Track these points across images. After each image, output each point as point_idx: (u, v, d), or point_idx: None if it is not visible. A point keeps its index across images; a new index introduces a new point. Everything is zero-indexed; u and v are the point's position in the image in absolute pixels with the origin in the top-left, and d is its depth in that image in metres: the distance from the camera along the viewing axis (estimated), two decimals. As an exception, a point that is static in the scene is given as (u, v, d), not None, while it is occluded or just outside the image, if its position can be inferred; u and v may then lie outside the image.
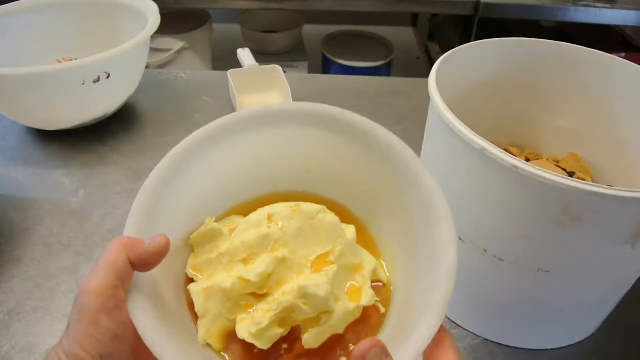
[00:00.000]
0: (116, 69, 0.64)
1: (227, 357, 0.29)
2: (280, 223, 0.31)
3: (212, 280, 0.30)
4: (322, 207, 0.32)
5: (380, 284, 0.32)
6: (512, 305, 0.43)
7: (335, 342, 0.29)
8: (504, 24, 1.53)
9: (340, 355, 0.29)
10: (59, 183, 0.64)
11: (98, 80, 0.63)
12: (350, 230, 0.32)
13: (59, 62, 0.76)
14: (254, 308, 0.30)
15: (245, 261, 0.30)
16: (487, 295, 0.44)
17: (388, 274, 0.33)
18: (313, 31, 1.68)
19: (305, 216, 0.31)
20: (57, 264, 0.53)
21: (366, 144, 0.33)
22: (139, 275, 0.27)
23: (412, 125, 0.75)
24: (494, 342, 0.47)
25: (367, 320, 0.30)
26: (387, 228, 0.34)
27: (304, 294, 0.28)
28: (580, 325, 0.47)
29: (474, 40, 0.48)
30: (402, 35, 1.91)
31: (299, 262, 0.30)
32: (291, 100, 0.73)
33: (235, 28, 1.61)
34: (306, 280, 0.29)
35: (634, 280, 0.43)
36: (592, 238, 0.36)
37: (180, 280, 0.31)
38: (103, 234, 0.57)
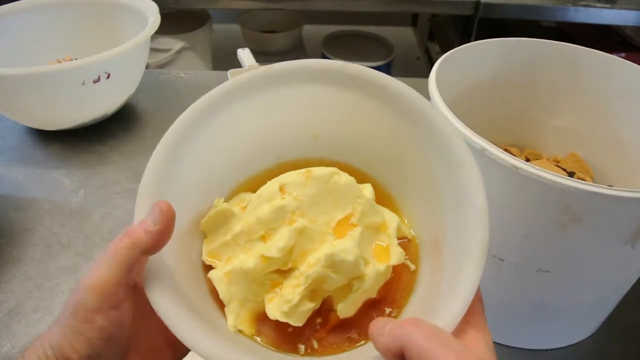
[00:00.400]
0: (116, 69, 0.64)
1: (260, 340, 0.28)
2: (294, 192, 0.29)
3: (232, 263, 0.28)
4: (334, 169, 0.30)
5: (405, 240, 0.31)
6: (512, 305, 0.43)
7: (370, 307, 0.28)
8: (504, 24, 1.53)
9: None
10: (59, 183, 0.64)
11: (98, 80, 0.63)
12: (367, 189, 0.30)
13: (59, 62, 0.76)
14: (282, 285, 0.28)
15: (263, 238, 0.28)
16: (487, 295, 0.44)
17: (411, 230, 0.31)
18: (313, 31, 1.68)
19: (319, 181, 0.29)
20: (57, 264, 0.53)
21: (374, 96, 0.31)
22: (155, 266, 0.25)
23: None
24: (494, 342, 0.47)
25: (398, 280, 0.29)
26: (404, 183, 0.32)
27: (333, 262, 0.27)
28: (580, 325, 0.47)
29: (474, 40, 0.48)
30: (402, 35, 1.90)
31: (320, 230, 0.28)
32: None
33: (235, 28, 1.61)
34: (332, 247, 0.27)
35: (634, 280, 0.43)
36: (592, 238, 0.36)
37: (198, 269, 0.30)
38: (103, 234, 0.57)
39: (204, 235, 0.31)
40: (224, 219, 0.30)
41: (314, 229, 0.28)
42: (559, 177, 0.33)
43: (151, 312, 0.24)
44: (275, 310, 0.27)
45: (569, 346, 0.47)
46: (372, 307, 0.28)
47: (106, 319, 0.24)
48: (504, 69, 0.52)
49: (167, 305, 0.24)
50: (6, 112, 0.67)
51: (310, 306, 0.27)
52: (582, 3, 1.27)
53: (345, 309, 0.28)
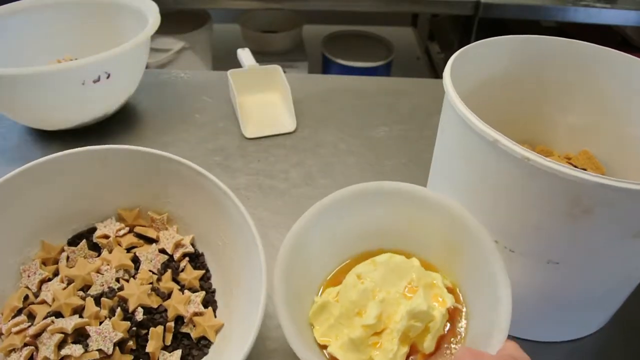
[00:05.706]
0: (116, 69, 0.64)
1: None
2: (368, 276, 0.40)
3: (342, 338, 0.39)
4: (389, 254, 0.42)
5: (449, 288, 0.42)
6: (522, 297, 0.43)
7: (440, 340, 0.39)
8: (504, 24, 1.54)
9: (447, 347, 0.39)
10: (59, 183, 0.63)
11: (98, 80, 0.63)
12: (415, 261, 0.42)
13: (59, 62, 0.75)
14: (380, 342, 0.38)
15: (359, 314, 0.39)
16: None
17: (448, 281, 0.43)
18: (313, 31, 1.68)
19: (382, 265, 0.41)
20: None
21: (410, 203, 0.44)
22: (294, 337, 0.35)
23: (412, 126, 0.74)
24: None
25: (453, 318, 0.40)
26: (439, 256, 0.45)
27: (413, 314, 0.38)
28: (590, 318, 0.46)
29: (474, 41, 0.48)
30: (402, 35, 1.91)
31: (395, 297, 0.39)
32: (291, 101, 0.72)
33: (235, 28, 1.61)
34: (409, 305, 0.38)
35: (644, 275, 0.42)
36: (603, 230, 0.36)
37: (316, 348, 0.40)
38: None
39: (312, 326, 0.41)
40: (323, 309, 0.41)
41: (391, 297, 0.39)
42: (570, 168, 0.33)
43: None
44: (382, 358, 0.38)
45: (578, 339, 0.47)
46: (442, 340, 0.39)
47: None
48: (516, 66, 0.52)
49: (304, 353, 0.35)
50: (6, 112, 0.67)
51: (404, 350, 0.38)
52: (582, 3, 1.27)
53: (428, 346, 0.38)
